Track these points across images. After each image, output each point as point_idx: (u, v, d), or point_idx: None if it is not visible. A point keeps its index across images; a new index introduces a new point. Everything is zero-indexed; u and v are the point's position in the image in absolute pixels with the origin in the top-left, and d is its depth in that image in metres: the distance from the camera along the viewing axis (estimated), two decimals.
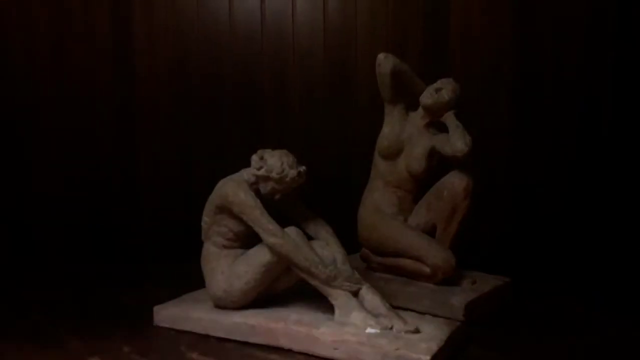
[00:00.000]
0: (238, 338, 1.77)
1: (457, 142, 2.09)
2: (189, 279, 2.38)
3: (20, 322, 1.97)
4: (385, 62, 2.19)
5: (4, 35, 2.74)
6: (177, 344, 1.76)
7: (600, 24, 2.63)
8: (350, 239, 2.43)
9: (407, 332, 1.64)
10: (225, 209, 1.81)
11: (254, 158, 1.81)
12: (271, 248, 1.75)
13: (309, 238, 1.82)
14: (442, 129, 2.19)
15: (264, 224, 1.74)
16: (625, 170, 2.65)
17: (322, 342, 1.64)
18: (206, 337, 1.81)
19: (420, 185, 2.25)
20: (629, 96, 2.63)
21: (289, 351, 1.69)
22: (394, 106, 2.25)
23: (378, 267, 2.24)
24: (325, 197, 2.61)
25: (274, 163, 1.78)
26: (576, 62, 2.65)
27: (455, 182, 2.13)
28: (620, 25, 2.61)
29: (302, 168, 1.82)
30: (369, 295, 1.75)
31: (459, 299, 1.97)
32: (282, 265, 1.77)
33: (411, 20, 2.67)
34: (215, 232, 1.87)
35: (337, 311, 1.72)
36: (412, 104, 2.27)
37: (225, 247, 1.87)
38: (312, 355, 1.65)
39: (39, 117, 2.78)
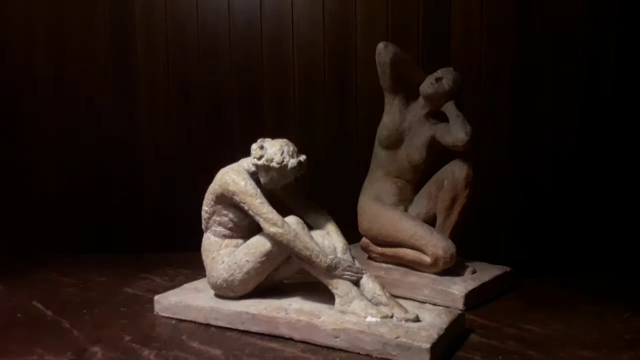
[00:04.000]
0: (239, 327, 1.78)
1: (457, 131, 2.08)
2: (189, 268, 2.39)
3: (22, 312, 1.98)
4: (385, 51, 2.18)
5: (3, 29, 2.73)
6: (178, 333, 1.77)
7: (601, 21, 2.62)
8: (350, 229, 2.44)
9: (407, 320, 1.65)
10: (225, 199, 1.81)
11: (254, 147, 1.81)
12: (272, 237, 1.75)
13: (310, 228, 1.82)
14: (443, 118, 2.19)
15: (265, 213, 1.74)
16: (624, 161, 2.65)
17: (322, 331, 1.65)
18: (207, 326, 1.82)
19: (420, 175, 2.26)
20: (629, 90, 2.62)
21: (290, 340, 1.69)
22: (394, 96, 2.24)
23: (378, 256, 2.25)
24: (325, 187, 2.62)
25: (274, 152, 1.78)
26: (577, 52, 2.64)
27: (455, 172, 2.13)
28: (621, 23, 2.60)
29: (303, 157, 1.82)
30: (369, 284, 1.76)
31: (459, 288, 1.98)
32: (283, 254, 1.77)
33: (411, 9, 2.66)
34: (215, 222, 1.87)
35: (337, 300, 1.73)
36: (412, 94, 2.27)
37: (225, 236, 1.87)
38: (312, 344, 1.66)
39: (39, 112, 2.77)
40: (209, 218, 1.88)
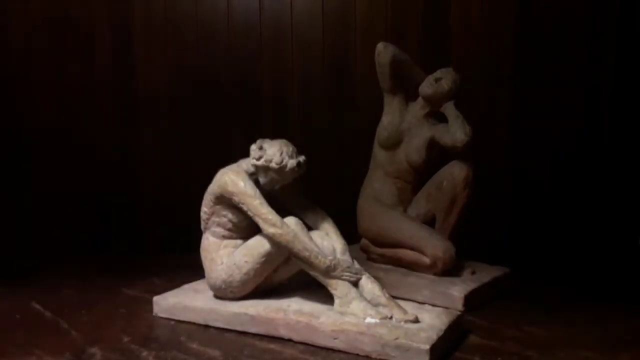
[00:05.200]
0: (238, 328, 1.77)
1: (456, 132, 2.08)
2: (188, 269, 2.38)
3: (20, 312, 1.97)
4: (384, 51, 2.18)
5: (3, 28, 2.72)
6: (177, 334, 1.76)
7: (602, 17, 2.61)
8: (350, 230, 2.43)
9: (406, 321, 1.64)
10: (224, 199, 1.81)
11: (253, 148, 1.81)
12: (271, 238, 1.74)
13: (309, 228, 1.82)
14: (442, 119, 2.19)
15: (264, 214, 1.74)
16: (623, 160, 2.64)
17: (321, 332, 1.65)
18: (206, 327, 1.81)
19: (419, 175, 2.25)
20: (629, 90, 2.62)
21: (289, 341, 1.69)
22: (394, 96, 2.24)
23: (378, 257, 2.24)
24: (325, 187, 2.61)
25: (274, 153, 1.77)
26: (577, 52, 2.64)
27: (454, 173, 2.13)
28: (621, 21, 2.60)
29: (302, 158, 1.81)
30: (368, 285, 1.75)
31: (458, 289, 1.98)
32: (282, 255, 1.77)
33: (411, 9, 2.66)
34: (214, 222, 1.87)
35: (336, 301, 1.72)
36: (411, 94, 2.26)
37: (224, 237, 1.87)
38: (311, 345, 1.65)
39: (39, 113, 2.76)
40: (208, 219, 1.88)
